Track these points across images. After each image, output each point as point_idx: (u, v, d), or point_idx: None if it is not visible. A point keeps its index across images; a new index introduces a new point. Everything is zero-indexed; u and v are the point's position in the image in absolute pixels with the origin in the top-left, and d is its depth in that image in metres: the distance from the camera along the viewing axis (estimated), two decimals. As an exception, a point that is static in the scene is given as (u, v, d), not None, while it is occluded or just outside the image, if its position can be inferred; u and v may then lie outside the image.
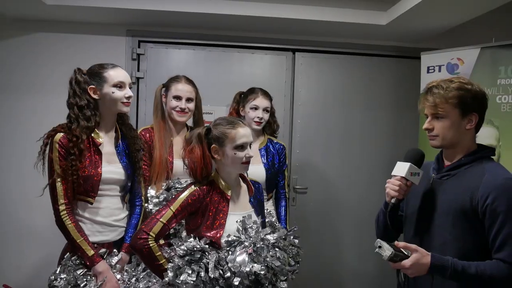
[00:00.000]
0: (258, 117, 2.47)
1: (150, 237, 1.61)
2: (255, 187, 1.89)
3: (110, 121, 1.96)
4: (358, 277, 3.41)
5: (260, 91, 2.54)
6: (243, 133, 1.72)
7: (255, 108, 2.49)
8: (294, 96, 3.34)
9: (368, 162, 3.39)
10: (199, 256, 1.61)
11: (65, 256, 1.84)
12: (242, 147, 1.71)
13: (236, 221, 1.70)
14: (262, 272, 1.58)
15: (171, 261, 1.63)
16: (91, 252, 1.81)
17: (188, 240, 1.64)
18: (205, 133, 1.73)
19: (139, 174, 2.06)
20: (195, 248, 1.61)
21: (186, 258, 1.61)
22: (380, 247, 1.42)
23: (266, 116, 2.52)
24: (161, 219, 1.64)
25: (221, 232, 1.67)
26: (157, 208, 2.16)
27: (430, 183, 1.60)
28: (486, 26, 3.06)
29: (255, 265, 1.58)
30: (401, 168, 1.55)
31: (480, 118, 1.54)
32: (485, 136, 2.59)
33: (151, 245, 1.61)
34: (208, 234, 1.66)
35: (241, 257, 1.59)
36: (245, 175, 1.88)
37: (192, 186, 1.71)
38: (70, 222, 1.81)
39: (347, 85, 3.38)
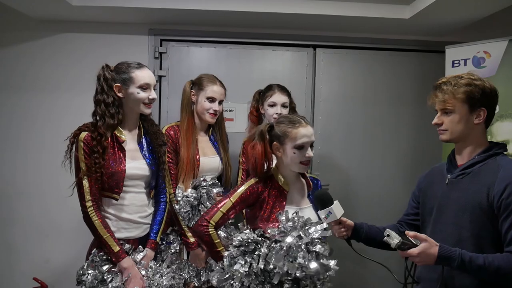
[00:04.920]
0: (276, 113, 2.47)
1: (210, 224, 1.71)
2: (314, 183, 1.92)
3: (132, 119, 2.00)
4: (380, 275, 3.36)
5: (277, 87, 2.55)
6: (304, 133, 1.75)
7: (273, 104, 2.50)
8: (315, 93, 3.31)
9: (391, 158, 3.34)
10: (253, 247, 1.65)
11: (92, 252, 1.89)
12: (302, 147, 1.74)
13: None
14: (298, 274, 1.59)
15: (228, 249, 1.70)
16: (116, 248, 1.85)
17: (244, 231, 1.69)
18: (268, 130, 1.77)
19: (163, 169, 2.08)
20: (249, 240, 1.66)
21: (241, 248, 1.66)
22: (388, 235, 1.46)
23: (285, 111, 2.52)
24: (221, 209, 1.73)
25: (277, 225, 1.70)
26: (186, 208, 2.19)
27: (445, 183, 1.61)
28: (514, 18, 2.97)
29: (289, 267, 1.59)
30: (322, 218, 1.67)
31: (489, 113, 1.55)
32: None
33: (210, 232, 1.71)
34: (265, 226, 1.70)
35: (279, 261, 1.60)
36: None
37: (252, 180, 1.78)
38: (96, 218, 1.86)
39: (369, 81, 3.33)
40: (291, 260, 1.59)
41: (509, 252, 1.42)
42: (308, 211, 1.83)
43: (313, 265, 1.59)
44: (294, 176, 1.82)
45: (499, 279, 1.43)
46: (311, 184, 1.90)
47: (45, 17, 3.10)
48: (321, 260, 1.61)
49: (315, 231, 1.65)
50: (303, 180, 1.88)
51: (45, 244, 3.20)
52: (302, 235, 1.63)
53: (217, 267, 1.76)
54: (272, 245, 1.64)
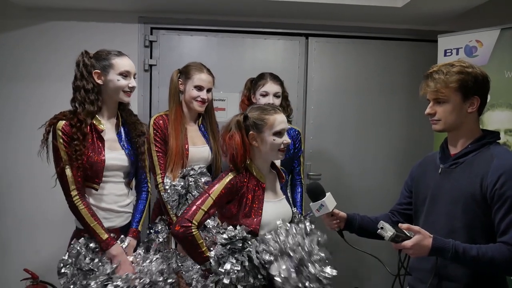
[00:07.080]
0: (268, 103, 2.44)
1: (193, 225, 1.62)
2: (285, 174, 1.91)
3: (111, 108, 1.97)
4: (372, 266, 3.39)
5: (270, 76, 2.50)
6: (280, 119, 1.73)
7: (265, 94, 2.46)
8: (307, 82, 3.30)
9: (383, 148, 3.35)
10: (240, 245, 1.62)
11: (71, 243, 1.87)
12: (280, 133, 1.72)
13: (278, 224, 1.70)
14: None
15: (212, 249, 1.64)
16: (105, 236, 1.83)
17: (229, 229, 1.65)
18: (243, 120, 1.73)
19: (142, 159, 2.05)
20: (236, 237, 1.62)
21: (228, 247, 1.62)
22: (382, 228, 1.45)
23: (277, 101, 2.48)
24: (202, 207, 1.64)
25: (259, 219, 1.68)
26: (174, 197, 2.17)
27: (438, 173, 1.60)
28: (506, 6, 2.96)
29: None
30: (314, 211, 1.66)
31: (482, 101, 1.53)
32: (507, 120, 2.54)
33: (194, 233, 1.62)
34: (247, 222, 1.67)
35: (286, 272, 1.58)
36: (275, 162, 1.88)
37: (230, 174, 1.72)
38: (83, 207, 1.83)
39: (361, 70, 3.32)
40: (303, 273, 1.59)
41: (502, 242, 1.41)
42: (284, 203, 1.83)
43: (330, 270, 1.63)
44: (267, 168, 1.80)
45: (492, 270, 1.43)
46: (284, 176, 1.88)
47: (30, 4, 3.04)
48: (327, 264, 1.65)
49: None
50: (274, 171, 1.87)
51: (36, 235, 3.18)
52: (310, 249, 1.63)
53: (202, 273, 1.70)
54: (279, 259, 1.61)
